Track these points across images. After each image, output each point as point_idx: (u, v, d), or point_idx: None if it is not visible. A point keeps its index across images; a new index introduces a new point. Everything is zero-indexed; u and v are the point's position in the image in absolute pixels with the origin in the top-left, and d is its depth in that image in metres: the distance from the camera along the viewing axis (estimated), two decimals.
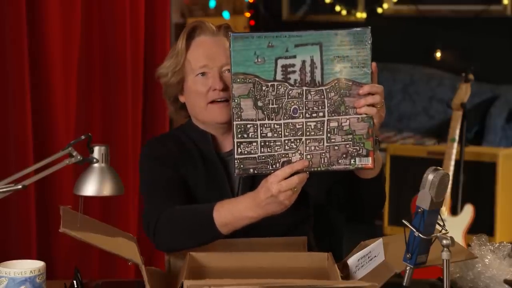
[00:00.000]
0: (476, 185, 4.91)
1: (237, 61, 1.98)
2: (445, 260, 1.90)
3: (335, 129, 2.02)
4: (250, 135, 1.99)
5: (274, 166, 2.01)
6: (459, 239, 4.59)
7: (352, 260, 2.17)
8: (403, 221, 1.94)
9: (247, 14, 7.21)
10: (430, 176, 1.90)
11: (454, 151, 4.62)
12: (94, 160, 2.05)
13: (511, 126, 6.04)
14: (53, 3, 3.34)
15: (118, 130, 3.70)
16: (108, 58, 3.65)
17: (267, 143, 2.00)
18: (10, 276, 1.90)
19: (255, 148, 2.00)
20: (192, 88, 2.35)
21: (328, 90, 2.00)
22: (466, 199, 4.74)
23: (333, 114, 2.01)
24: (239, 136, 1.99)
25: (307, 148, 2.01)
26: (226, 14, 6.86)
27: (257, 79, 1.98)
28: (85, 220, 2.11)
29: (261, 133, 2.00)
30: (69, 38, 3.43)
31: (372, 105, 2.01)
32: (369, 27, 2.02)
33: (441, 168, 1.92)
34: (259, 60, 1.98)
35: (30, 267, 1.93)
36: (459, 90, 4.72)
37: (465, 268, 2.15)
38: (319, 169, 2.02)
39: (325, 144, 2.01)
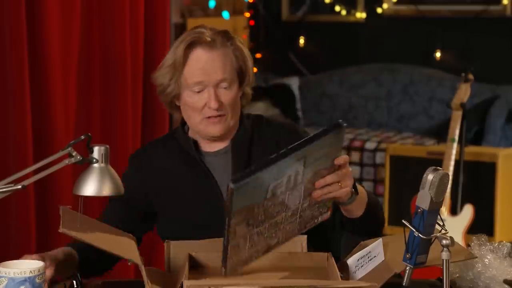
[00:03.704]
0: (475, 185, 4.91)
1: (238, 207, 1.95)
2: (444, 260, 1.90)
3: (306, 208, 2.09)
4: (240, 246, 2.03)
5: (256, 255, 2.07)
6: (459, 239, 4.59)
7: (351, 260, 2.17)
8: (403, 221, 1.95)
9: (247, 14, 7.21)
10: (429, 176, 1.90)
11: (454, 151, 4.62)
12: (94, 160, 2.05)
13: (511, 126, 6.04)
14: (53, 3, 3.34)
15: (118, 130, 3.70)
16: (108, 58, 3.65)
17: (253, 245, 2.05)
18: (10, 276, 1.90)
19: (244, 252, 2.05)
20: (187, 102, 2.36)
21: (306, 182, 2.04)
22: (465, 199, 4.74)
23: (307, 198, 2.07)
24: (233, 251, 2.02)
25: (284, 232, 2.09)
26: (225, 14, 6.87)
27: (249, 206, 1.98)
28: (84, 220, 2.11)
29: (249, 240, 2.04)
30: (69, 38, 3.43)
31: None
32: (345, 124, 2.02)
33: (440, 168, 1.92)
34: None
35: (29, 267, 1.93)
36: (459, 90, 4.72)
37: (465, 268, 2.15)
38: (290, 239, 2.13)
39: (298, 220, 2.09)
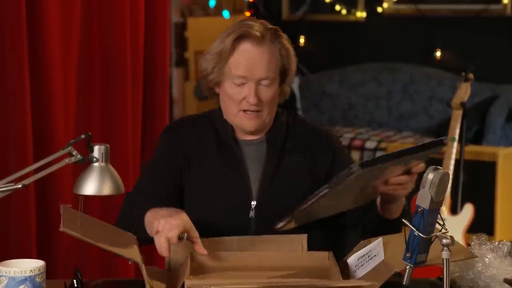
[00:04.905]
0: (476, 185, 4.91)
1: (339, 188, 2.09)
2: (445, 260, 1.90)
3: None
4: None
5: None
6: (459, 239, 4.59)
7: (352, 259, 2.18)
8: (403, 220, 1.95)
9: (247, 14, 7.21)
10: (430, 176, 1.90)
11: (454, 150, 4.62)
12: (94, 159, 2.05)
13: (511, 125, 6.04)
14: (53, 3, 3.34)
15: (118, 130, 3.70)
16: (108, 58, 3.65)
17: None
18: (10, 275, 1.90)
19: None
20: (227, 91, 2.39)
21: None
22: (466, 199, 4.74)
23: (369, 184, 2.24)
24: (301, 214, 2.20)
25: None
26: (226, 14, 6.87)
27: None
28: (85, 219, 2.11)
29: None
30: (69, 38, 3.43)
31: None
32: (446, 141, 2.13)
33: (441, 168, 1.92)
34: None
35: (30, 266, 1.93)
36: (459, 89, 4.72)
37: (465, 268, 2.15)
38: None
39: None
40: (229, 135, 2.43)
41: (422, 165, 2.12)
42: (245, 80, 2.35)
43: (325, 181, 2.28)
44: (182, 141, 2.45)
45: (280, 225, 2.14)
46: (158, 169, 2.43)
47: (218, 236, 2.23)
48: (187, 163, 2.43)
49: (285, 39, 2.42)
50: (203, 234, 2.18)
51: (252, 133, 2.43)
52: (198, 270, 2.10)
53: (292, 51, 2.43)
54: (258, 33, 2.35)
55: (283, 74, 2.42)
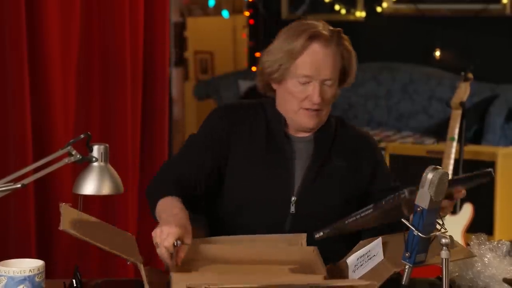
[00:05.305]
0: None
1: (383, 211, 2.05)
2: (444, 259, 1.90)
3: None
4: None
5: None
6: (458, 238, 4.59)
7: (351, 259, 2.18)
8: (402, 220, 1.95)
9: (246, 13, 7.22)
10: (429, 175, 1.91)
11: (453, 150, 4.62)
12: (94, 159, 2.05)
13: (510, 125, 6.04)
14: (52, 3, 3.34)
15: (118, 130, 3.70)
16: (108, 58, 3.65)
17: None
18: (9, 275, 1.90)
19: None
20: (290, 89, 2.42)
21: None
22: (465, 198, 4.73)
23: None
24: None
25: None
26: (225, 13, 6.87)
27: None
28: (84, 219, 2.11)
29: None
30: (68, 38, 3.43)
31: None
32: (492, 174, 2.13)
33: (440, 167, 1.92)
34: None
35: (29, 266, 1.93)
36: (458, 89, 4.72)
37: (464, 267, 2.15)
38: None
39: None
40: (281, 128, 2.46)
41: (464, 192, 2.12)
42: (309, 79, 2.39)
43: (365, 191, 2.41)
44: (234, 123, 2.47)
45: (318, 235, 2.14)
46: (202, 143, 2.45)
47: (254, 225, 2.30)
48: (234, 147, 2.45)
49: (347, 41, 2.45)
50: (241, 221, 2.32)
51: (309, 130, 2.46)
52: (186, 262, 2.11)
53: (353, 53, 2.47)
54: (326, 33, 2.40)
55: (342, 75, 2.47)
